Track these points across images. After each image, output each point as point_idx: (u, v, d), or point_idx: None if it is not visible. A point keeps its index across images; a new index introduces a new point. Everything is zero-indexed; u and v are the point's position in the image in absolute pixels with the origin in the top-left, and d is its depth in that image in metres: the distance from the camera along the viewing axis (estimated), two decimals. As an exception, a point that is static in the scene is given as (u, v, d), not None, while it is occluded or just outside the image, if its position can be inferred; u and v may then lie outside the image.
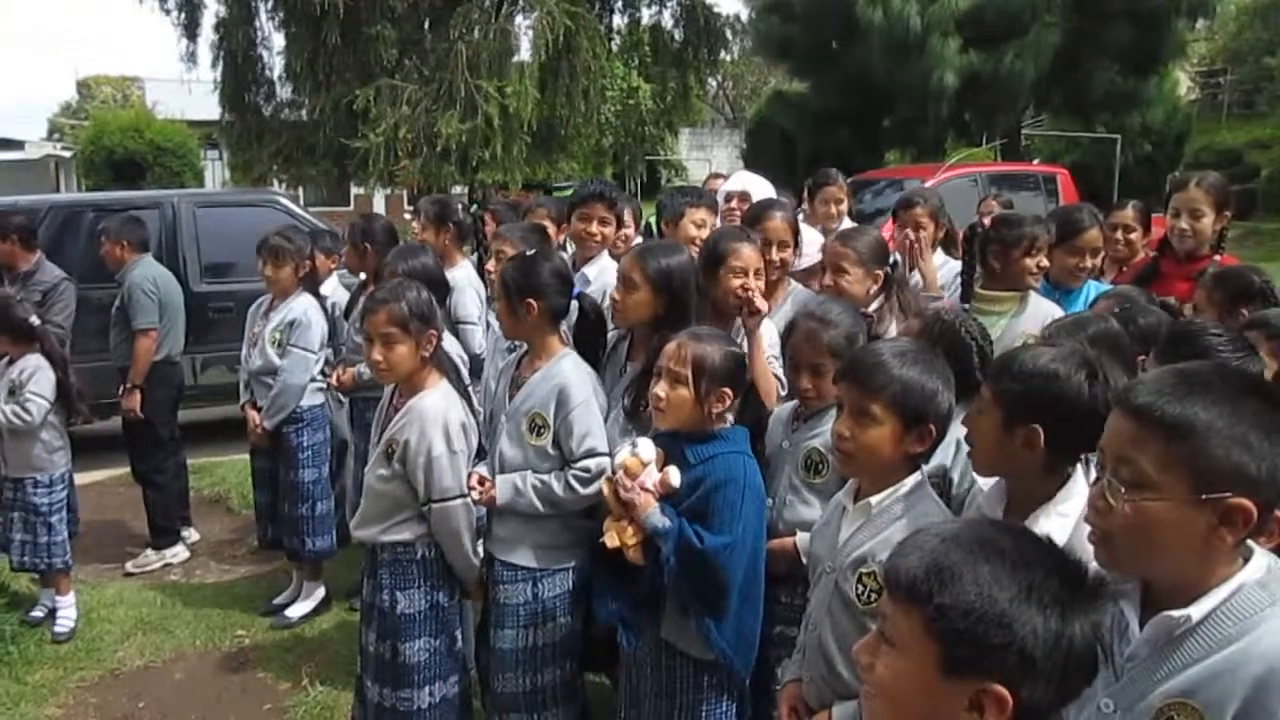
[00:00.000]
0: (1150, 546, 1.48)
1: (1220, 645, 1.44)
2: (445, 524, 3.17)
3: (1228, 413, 1.42)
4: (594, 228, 4.41)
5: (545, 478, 3.11)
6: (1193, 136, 23.41)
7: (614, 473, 2.78)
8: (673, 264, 3.21)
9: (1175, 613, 1.47)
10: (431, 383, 3.22)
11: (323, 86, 13.94)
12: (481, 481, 3.17)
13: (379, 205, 23.54)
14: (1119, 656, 1.54)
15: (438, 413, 3.14)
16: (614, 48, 18.47)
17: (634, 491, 2.66)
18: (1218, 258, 4.00)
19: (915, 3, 17.35)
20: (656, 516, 2.62)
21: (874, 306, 3.58)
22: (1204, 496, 1.42)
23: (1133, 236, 4.83)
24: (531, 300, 3.16)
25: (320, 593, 5.11)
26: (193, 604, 5.19)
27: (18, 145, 21.65)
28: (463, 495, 3.16)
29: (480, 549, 3.29)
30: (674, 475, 2.66)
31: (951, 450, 2.56)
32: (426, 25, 15.01)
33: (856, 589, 2.18)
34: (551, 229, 4.95)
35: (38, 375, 4.72)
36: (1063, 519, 1.99)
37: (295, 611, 5.02)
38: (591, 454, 3.09)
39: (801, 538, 2.83)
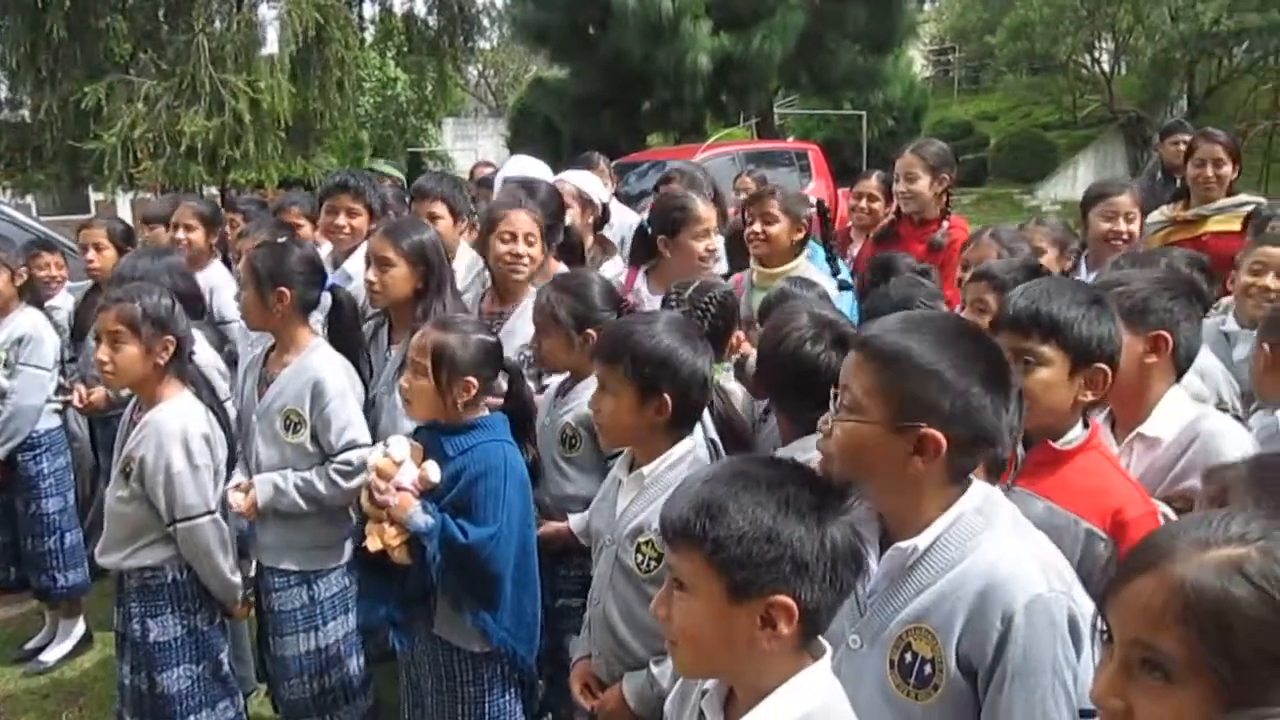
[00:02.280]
0: (859, 468, 1.58)
1: (945, 569, 1.55)
2: (194, 544, 2.98)
3: (931, 350, 1.53)
4: (341, 219, 4.22)
5: (307, 475, 3.02)
6: (929, 111, 25.07)
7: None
8: (425, 238, 3.22)
9: (904, 543, 1.57)
10: (170, 394, 3.00)
11: (46, 84, 12.81)
12: (244, 490, 3.03)
13: (123, 210, 21.94)
14: (862, 593, 1.63)
15: (175, 426, 2.94)
16: (367, 38, 17.92)
17: (389, 493, 2.58)
18: (945, 222, 4.29)
19: (666, -14, 17.73)
20: (418, 515, 2.56)
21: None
22: (898, 425, 1.53)
23: (875, 205, 5.11)
24: (283, 289, 3.04)
25: (79, 630, 4.72)
26: (-77, 660, 4.70)
27: None
28: (209, 512, 2.98)
29: (237, 566, 3.12)
30: (432, 470, 2.60)
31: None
32: (162, 16, 14.08)
33: (636, 558, 2.22)
34: (307, 227, 4.76)
35: None
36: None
37: (51, 655, 4.62)
38: (352, 446, 3.02)
39: (573, 520, 2.86)
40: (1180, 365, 2.29)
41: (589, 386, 2.46)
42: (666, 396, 2.20)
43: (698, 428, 2.39)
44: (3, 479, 4.50)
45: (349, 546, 3.17)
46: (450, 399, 2.63)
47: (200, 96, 12.42)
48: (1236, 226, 4.12)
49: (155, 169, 12.44)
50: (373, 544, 2.62)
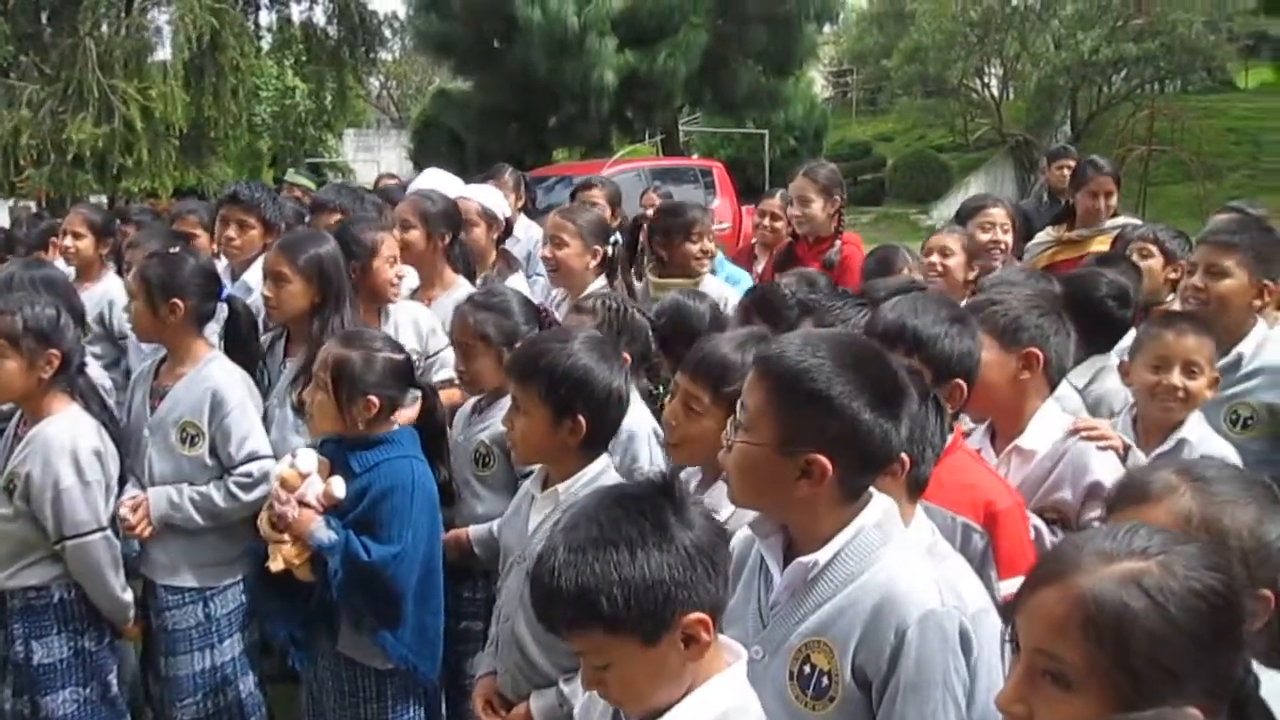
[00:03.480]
0: (752, 485, 1.63)
1: (844, 584, 1.59)
2: (84, 562, 2.88)
3: (824, 372, 1.55)
4: (232, 231, 4.13)
5: (204, 489, 2.97)
6: (829, 131, 25.61)
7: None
8: (322, 252, 3.16)
9: (805, 558, 1.61)
10: (57, 408, 2.90)
11: (-80, 86, 12.27)
12: (135, 509, 2.94)
13: (2, 218, 21.11)
14: (765, 604, 1.67)
15: (64, 441, 2.84)
16: (264, 46, 17.58)
17: (289, 505, 2.54)
18: (839, 241, 4.40)
19: (573, 2, 17.80)
20: (321, 531, 2.52)
21: (595, 285, 3.66)
22: (785, 449, 1.57)
23: (778, 224, 5.20)
24: (177, 300, 2.98)
25: None
26: None
27: None
28: (101, 529, 2.89)
29: (126, 584, 3.02)
30: (337, 486, 2.57)
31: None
32: (45, 19, 13.60)
33: None
34: (204, 237, 4.66)
35: None
36: None
37: None
38: (253, 457, 2.98)
39: (473, 530, 2.86)
40: (1053, 379, 2.40)
41: (504, 405, 2.44)
42: (581, 417, 2.18)
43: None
44: None
45: (244, 562, 3.09)
46: (350, 416, 2.60)
47: (88, 103, 12.02)
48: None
49: (39, 177, 11.99)
50: (275, 564, 2.57)
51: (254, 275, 4.08)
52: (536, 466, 2.42)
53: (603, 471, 2.27)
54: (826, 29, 23.60)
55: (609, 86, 17.94)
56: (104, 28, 12.86)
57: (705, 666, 1.45)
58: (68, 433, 2.87)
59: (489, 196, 4.40)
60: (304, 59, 18.44)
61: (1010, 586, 1.83)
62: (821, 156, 21.52)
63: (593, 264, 3.73)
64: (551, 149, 22.20)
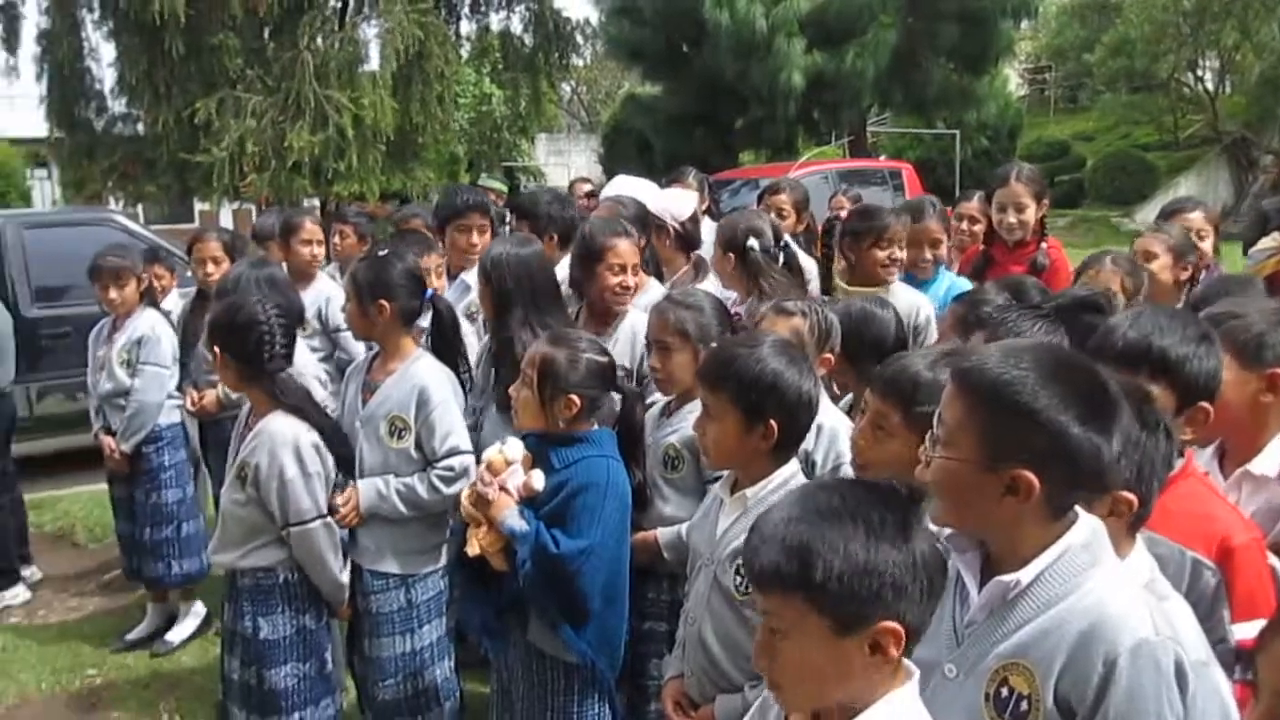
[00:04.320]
0: (953, 504, 1.55)
1: (1047, 606, 1.51)
2: (306, 547, 3.09)
3: (1028, 385, 1.47)
4: (474, 238, 4.39)
5: (408, 480, 3.12)
6: (1024, 130, 24.61)
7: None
8: (505, 254, 3.35)
9: (1006, 577, 1.54)
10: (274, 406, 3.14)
11: (163, 99, 13.30)
12: (346, 500, 3.13)
13: (225, 220, 22.72)
14: (960, 622, 1.61)
15: (287, 435, 3.05)
16: (464, 54, 18.26)
17: (491, 487, 2.63)
18: (1044, 244, 4.20)
19: (760, 4, 17.75)
20: (514, 518, 2.60)
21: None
22: (989, 464, 1.49)
23: (977, 228, 5.01)
24: (384, 301, 3.14)
25: (201, 610, 4.92)
26: (37, 645, 4.91)
27: None
28: (321, 516, 3.08)
29: (344, 568, 3.21)
30: (537, 479, 2.64)
31: (812, 435, 2.61)
32: (267, 35, 14.54)
33: (735, 580, 2.21)
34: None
35: None
36: None
37: (176, 635, 4.83)
38: (455, 452, 3.12)
39: (662, 532, 2.88)
40: (1294, 401, 2.21)
41: (693, 409, 2.46)
42: (773, 422, 2.19)
43: None
44: (127, 470, 4.72)
45: (446, 550, 3.26)
46: (552, 413, 2.67)
47: (305, 111, 12.76)
48: None
49: (261, 182, 12.83)
50: (471, 548, 2.67)
51: (471, 274, 4.31)
52: (726, 470, 2.43)
53: (793, 476, 2.27)
54: (1024, 24, 22.60)
55: (796, 88, 17.79)
56: (320, 41, 13.62)
57: (881, 682, 1.40)
58: (291, 428, 3.07)
59: (679, 201, 4.43)
60: (500, 66, 19.05)
61: (1246, 630, 1.70)
62: (1015, 156, 20.80)
63: (730, 269, 3.72)
64: (737, 152, 22.21)
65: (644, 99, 23.23)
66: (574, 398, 2.65)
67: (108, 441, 4.73)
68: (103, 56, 14.84)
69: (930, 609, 1.40)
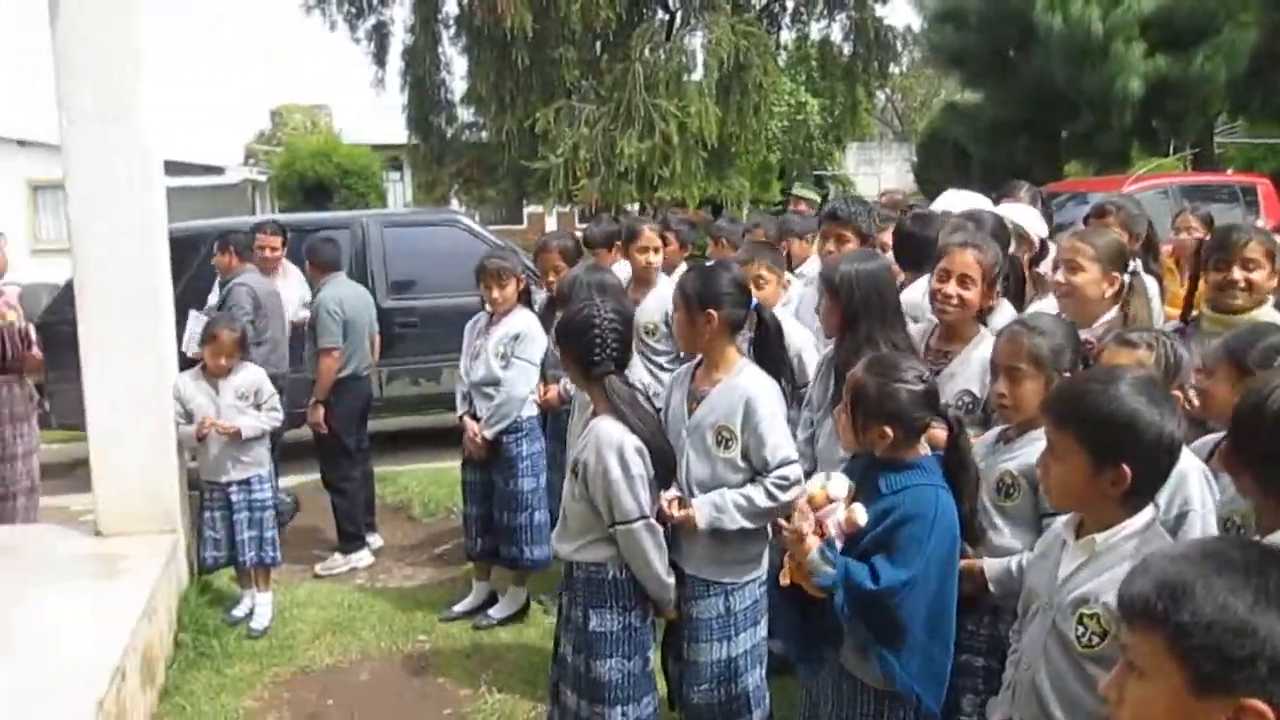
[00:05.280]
0: None
1: None
2: (630, 546, 3.18)
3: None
4: (831, 246, 4.49)
5: (746, 492, 3.15)
6: None
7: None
8: (858, 270, 3.32)
9: None
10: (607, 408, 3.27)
11: (508, 109, 14.33)
12: (677, 504, 3.21)
13: (551, 224, 24.15)
14: None
15: (613, 436, 3.15)
16: (781, 63, 18.38)
17: (808, 521, 2.59)
18: None
19: (1097, 7, 16.62)
20: (818, 566, 2.53)
21: (1108, 316, 3.41)
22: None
23: None
24: (711, 310, 3.18)
25: (521, 595, 5.23)
26: (377, 607, 5.40)
27: (218, 171, 23.20)
28: (644, 517, 3.16)
29: (670, 569, 3.28)
30: (860, 514, 2.57)
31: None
32: (599, 48, 15.31)
33: (1076, 630, 2.05)
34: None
35: (264, 379, 5.21)
36: None
37: (498, 612, 5.17)
38: (786, 462, 3.13)
39: (989, 563, 2.75)
40: None
41: (1035, 438, 2.32)
42: (1125, 466, 1.99)
43: None
44: (487, 456, 5.06)
45: (765, 560, 3.28)
46: (865, 440, 2.62)
47: (634, 120, 13.33)
48: None
49: (591, 187, 13.52)
50: (784, 578, 2.66)
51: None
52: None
53: (1149, 525, 2.05)
54: None
55: (1133, 95, 16.51)
56: (648, 52, 14.18)
57: None
58: (617, 430, 3.16)
59: (1024, 215, 4.22)
60: (817, 74, 19.03)
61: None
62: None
63: (1109, 292, 3.42)
64: (1064, 163, 20.94)
65: (963, 107, 22.38)
66: (886, 429, 2.58)
67: (471, 426, 5.06)
68: (456, 70, 16.33)
69: None
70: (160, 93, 5.08)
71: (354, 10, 16.44)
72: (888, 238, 4.84)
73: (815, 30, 18.12)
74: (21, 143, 20.89)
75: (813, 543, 2.56)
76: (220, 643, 4.88)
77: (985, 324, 3.40)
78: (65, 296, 6.68)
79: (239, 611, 5.19)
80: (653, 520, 3.17)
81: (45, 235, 20.85)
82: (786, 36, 18.46)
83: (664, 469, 3.23)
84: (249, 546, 5.10)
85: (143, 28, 4.82)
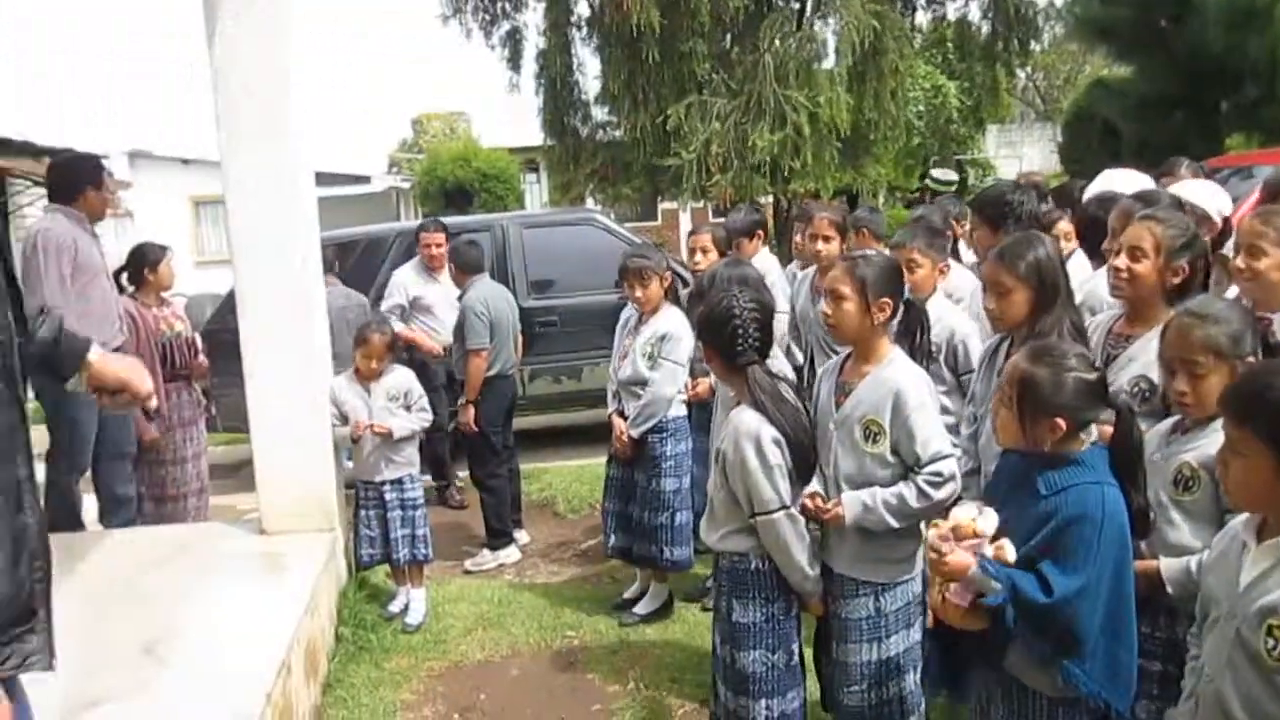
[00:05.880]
0: None
1: None
2: (770, 537, 3.17)
3: None
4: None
5: (896, 490, 3.06)
6: None
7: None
8: (1040, 255, 3.14)
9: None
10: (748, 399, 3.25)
11: (640, 105, 14.39)
12: (815, 498, 3.16)
13: (684, 219, 24.15)
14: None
15: (751, 427, 3.14)
16: (917, 46, 17.88)
17: (952, 552, 2.47)
18: None
19: (1261, -33, 15.62)
20: (984, 584, 2.41)
21: None
22: None
23: None
24: (886, 300, 3.11)
25: (664, 592, 5.24)
26: (525, 603, 5.49)
27: (364, 180, 24.06)
28: (784, 508, 3.14)
29: (814, 561, 3.24)
30: (1009, 551, 2.43)
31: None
32: (729, 40, 15.22)
33: (1266, 642, 1.92)
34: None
35: (413, 381, 5.37)
36: None
37: (642, 608, 5.20)
38: (939, 457, 3.02)
39: (1167, 563, 2.61)
40: None
41: (1219, 428, 2.17)
42: None
43: None
44: (632, 455, 5.10)
45: (919, 560, 3.18)
46: (1034, 435, 2.50)
47: (765, 112, 13.19)
48: None
49: (724, 181, 13.46)
50: (934, 615, 2.56)
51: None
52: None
53: None
54: None
55: (1304, 61, 15.44)
56: (778, 42, 14.00)
57: None
58: (755, 420, 3.16)
59: (1201, 193, 3.98)
60: (955, 56, 18.48)
61: None
62: None
63: None
64: (1224, 137, 19.77)
65: (1112, 82, 21.32)
66: (1059, 421, 2.45)
67: (619, 424, 5.11)
68: (589, 70, 16.51)
69: None
70: (309, 108, 5.26)
71: (488, 17, 16.77)
72: (1064, 226, 4.66)
73: (952, 10, 17.60)
74: (185, 161, 22.17)
75: (970, 560, 2.44)
76: (377, 637, 5.03)
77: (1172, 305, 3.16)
78: (227, 306, 7.02)
79: (394, 606, 5.34)
80: (793, 510, 3.13)
81: (208, 248, 22.09)
82: (921, 18, 17.99)
83: (803, 462, 3.19)
84: (402, 544, 5.24)
85: (293, 49, 5.01)
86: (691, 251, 5.40)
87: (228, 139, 4.91)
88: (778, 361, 3.77)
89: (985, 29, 17.02)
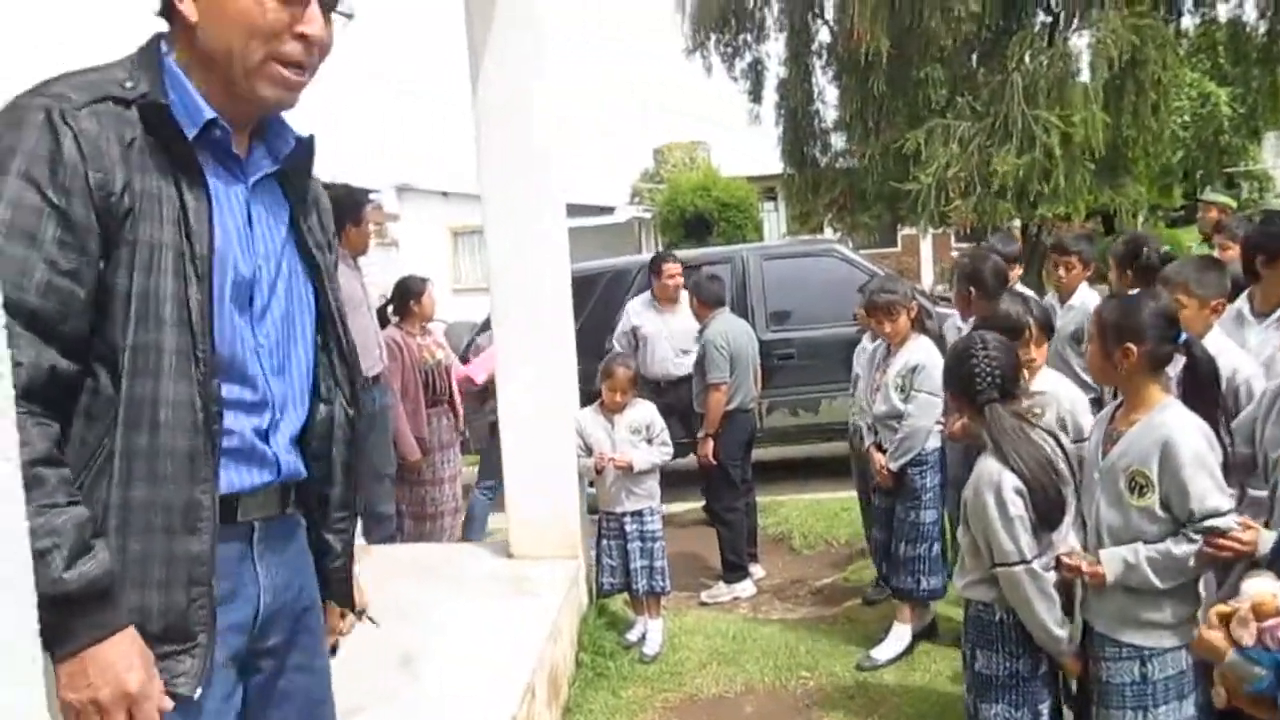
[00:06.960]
0: None
1: None
2: (1011, 590, 3.06)
3: None
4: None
5: (1162, 546, 2.84)
6: None
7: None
8: None
9: None
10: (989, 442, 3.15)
11: (871, 133, 14.24)
12: (1073, 555, 3.00)
13: (926, 247, 23.50)
14: None
15: (991, 474, 3.05)
16: (1182, 53, 16.58)
17: (1247, 630, 2.20)
18: None
19: None
20: (1245, 671, 2.12)
21: None
22: None
23: None
24: (1130, 344, 2.92)
25: (906, 635, 5.10)
26: (760, 640, 5.44)
27: (609, 210, 24.84)
28: (1024, 562, 3.01)
29: (1062, 619, 3.08)
30: None
31: None
32: (974, 61, 14.72)
33: None
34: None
35: (655, 415, 5.45)
36: None
37: (882, 654, 5.06)
38: (1215, 514, 2.78)
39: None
40: None
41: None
42: None
43: None
44: (893, 486, 5.06)
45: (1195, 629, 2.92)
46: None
47: (1011, 134, 12.66)
48: None
49: (965, 207, 13.00)
50: (1218, 699, 2.31)
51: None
52: None
53: None
54: None
55: None
56: (1027, 59, 13.39)
57: None
58: (995, 468, 3.07)
59: None
60: (1225, 61, 17.02)
61: None
62: None
63: None
64: None
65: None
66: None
67: (877, 457, 5.08)
68: (828, 99, 16.45)
69: None
70: (560, 141, 5.52)
71: (730, 50, 16.99)
72: None
73: (1224, 11, 16.18)
74: (444, 194, 23.66)
75: (1228, 649, 2.19)
76: (615, 665, 5.13)
77: None
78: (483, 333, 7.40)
79: (632, 635, 5.44)
80: (1034, 566, 2.99)
81: (464, 277, 23.41)
82: (1188, 22, 16.66)
83: (1049, 511, 3.05)
84: (641, 575, 5.34)
85: (547, 86, 5.29)
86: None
87: (486, 172, 5.23)
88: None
89: (1263, 28, 15.59)
